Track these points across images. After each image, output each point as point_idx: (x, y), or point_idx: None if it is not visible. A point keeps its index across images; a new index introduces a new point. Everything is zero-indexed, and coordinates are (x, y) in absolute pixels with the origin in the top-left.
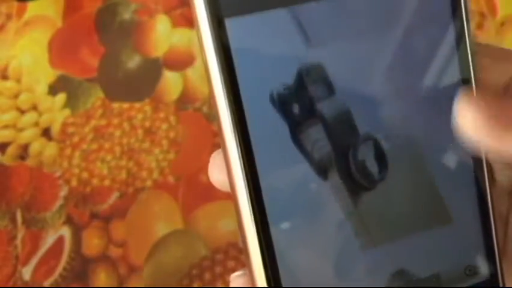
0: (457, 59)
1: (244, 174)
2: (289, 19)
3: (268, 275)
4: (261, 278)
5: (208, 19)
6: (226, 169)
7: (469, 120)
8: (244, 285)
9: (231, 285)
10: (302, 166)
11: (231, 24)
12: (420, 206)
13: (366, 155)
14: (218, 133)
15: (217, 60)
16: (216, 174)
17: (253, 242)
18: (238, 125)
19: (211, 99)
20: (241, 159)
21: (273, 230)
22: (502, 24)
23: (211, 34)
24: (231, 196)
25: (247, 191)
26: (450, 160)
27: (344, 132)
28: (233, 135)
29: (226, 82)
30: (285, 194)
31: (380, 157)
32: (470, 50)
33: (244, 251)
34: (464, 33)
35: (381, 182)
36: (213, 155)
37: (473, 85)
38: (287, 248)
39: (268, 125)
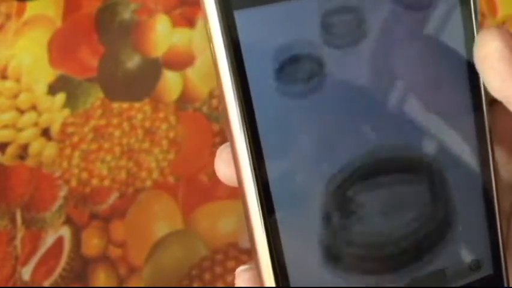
0: (465, 55)
1: (252, 168)
2: (298, 10)
3: (276, 272)
4: (268, 275)
5: (217, 11)
6: (233, 163)
7: (492, 51)
8: (250, 279)
9: (237, 280)
10: (311, 160)
11: (240, 16)
12: (425, 201)
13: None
14: (225, 127)
15: (225, 52)
16: (223, 169)
17: (260, 238)
18: (246, 118)
19: (218, 92)
20: (249, 153)
21: (281, 226)
22: (502, 24)
23: (220, 26)
24: (232, 195)
25: (255, 185)
26: (456, 156)
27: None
28: (241, 128)
29: (235, 75)
30: (294, 189)
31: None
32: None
33: (251, 247)
34: (473, 31)
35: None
36: (219, 149)
37: (481, 80)
38: (296, 245)
39: (277, 118)
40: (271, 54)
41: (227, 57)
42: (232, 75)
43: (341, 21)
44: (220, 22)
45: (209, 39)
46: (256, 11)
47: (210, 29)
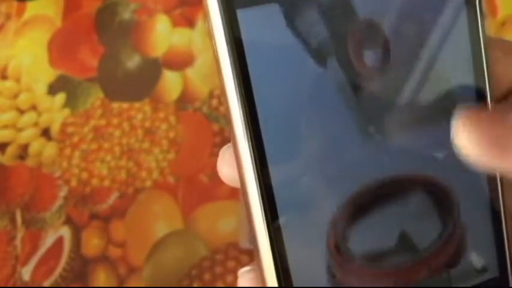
0: (470, 51)
1: (254, 169)
2: (301, 9)
3: (278, 272)
4: (271, 276)
5: (219, 10)
6: (236, 164)
7: (465, 139)
8: (253, 281)
9: (239, 281)
10: (315, 161)
11: (243, 15)
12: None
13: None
14: (228, 127)
15: (228, 51)
16: (225, 169)
17: (263, 240)
18: (249, 118)
19: (221, 91)
20: (251, 153)
21: (283, 227)
22: (503, 24)
23: (223, 25)
24: (232, 195)
25: (258, 186)
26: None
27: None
28: (244, 128)
29: (238, 74)
30: (297, 191)
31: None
32: (484, 45)
33: (254, 248)
34: (478, 28)
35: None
36: (222, 150)
37: (486, 78)
38: (298, 246)
39: (280, 118)
40: (274, 54)
41: (229, 56)
42: (234, 74)
43: (344, 18)
44: (222, 21)
45: (211, 38)
46: (259, 10)
47: (212, 28)
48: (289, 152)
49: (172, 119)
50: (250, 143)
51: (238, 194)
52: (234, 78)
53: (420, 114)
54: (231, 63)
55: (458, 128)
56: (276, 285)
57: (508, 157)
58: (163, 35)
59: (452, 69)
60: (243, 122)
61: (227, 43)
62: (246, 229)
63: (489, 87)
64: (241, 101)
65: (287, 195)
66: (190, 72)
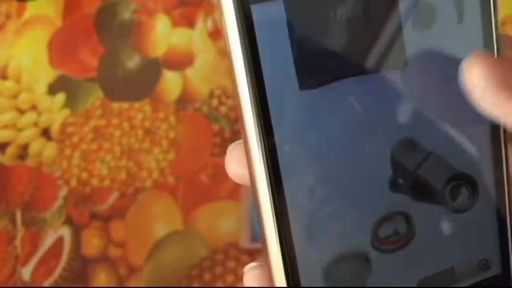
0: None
1: (265, 166)
2: (314, 4)
3: (287, 272)
4: (279, 275)
5: (233, 5)
6: (245, 160)
7: (476, 79)
8: (258, 277)
9: (245, 277)
10: (326, 159)
11: (257, 11)
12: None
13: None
14: (239, 123)
15: (241, 47)
16: (234, 168)
17: (272, 237)
18: (261, 115)
19: (232, 87)
20: (263, 152)
21: (293, 225)
22: (503, 24)
23: (237, 21)
24: (232, 195)
25: (268, 183)
26: (467, 157)
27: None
28: (255, 125)
29: (251, 70)
30: (308, 189)
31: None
32: (496, 42)
33: (262, 246)
34: (491, 24)
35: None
36: (230, 147)
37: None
38: (308, 246)
39: (293, 115)
40: (287, 50)
41: (243, 53)
42: (247, 70)
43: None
44: (237, 17)
45: (225, 34)
46: (273, 5)
47: (225, 24)
48: (300, 150)
49: (172, 119)
50: (262, 142)
51: (239, 194)
52: (247, 74)
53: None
54: (244, 59)
55: (468, 68)
56: (285, 285)
57: None
58: (163, 35)
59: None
60: (255, 119)
61: (241, 39)
62: (247, 229)
63: None
64: (253, 97)
65: (298, 193)
66: (190, 72)
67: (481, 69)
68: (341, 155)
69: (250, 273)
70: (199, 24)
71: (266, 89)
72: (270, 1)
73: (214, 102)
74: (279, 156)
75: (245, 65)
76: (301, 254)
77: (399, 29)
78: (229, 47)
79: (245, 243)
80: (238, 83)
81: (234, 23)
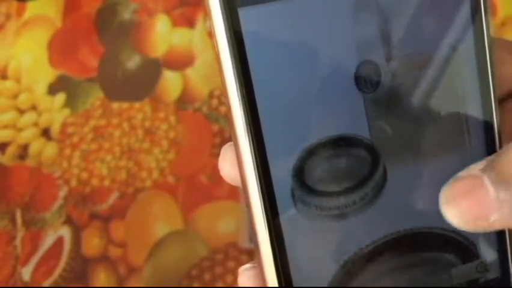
0: (474, 51)
1: (255, 168)
2: (301, 8)
3: (278, 272)
4: (271, 276)
5: (221, 8)
6: (237, 163)
7: (452, 212)
8: (253, 278)
9: (240, 278)
10: (316, 159)
11: (244, 14)
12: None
13: None
14: (229, 125)
15: (229, 50)
16: (226, 168)
17: (263, 237)
18: (250, 116)
19: (222, 90)
20: (252, 151)
21: (284, 226)
22: (503, 24)
23: (224, 24)
24: (232, 195)
25: (258, 184)
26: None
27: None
28: (244, 127)
29: (239, 72)
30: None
31: None
32: (488, 45)
33: (254, 247)
34: (483, 28)
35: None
36: (223, 148)
37: (490, 78)
38: (298, 245)
39: (281, 116)
40: (275, 53)
41: (230, 55)
42: (235, 73)
43: (345, 18)
44: (224, 20)
45: (212, 36)
46: (261, 8)
47: (213, 27)
48: (290, 150)
49: (172, 119)
50: (251, 142)
51: (238, 194)
52: (235, 76)
53: (424, 113)
54: (232, 62)
55: (445, 201)
56: (276, 285)
57: (494, 227)
58: (163, 35)
59: (457, 69)
60: (244, 120)
61: (228, 42)
62: (246, 229)
63: (493, 87)
64: (242, 100)
65: (287, 193)
66: (190, 72)
67: (457, 210)
68: (334, 152)
69: (245, 274)
70: (199, 24)
71: (254, 89)
72: (257, 4)
73: (214, 102)
74: (268, 156)
75: (233, 67)
76: (293, 253)
77: None
78: (217, 49)
79: (245, 243)
80: (227, 85)
81: (221, 25)
